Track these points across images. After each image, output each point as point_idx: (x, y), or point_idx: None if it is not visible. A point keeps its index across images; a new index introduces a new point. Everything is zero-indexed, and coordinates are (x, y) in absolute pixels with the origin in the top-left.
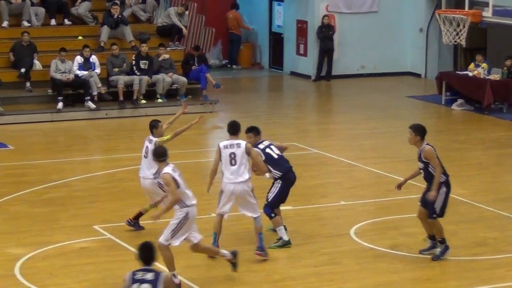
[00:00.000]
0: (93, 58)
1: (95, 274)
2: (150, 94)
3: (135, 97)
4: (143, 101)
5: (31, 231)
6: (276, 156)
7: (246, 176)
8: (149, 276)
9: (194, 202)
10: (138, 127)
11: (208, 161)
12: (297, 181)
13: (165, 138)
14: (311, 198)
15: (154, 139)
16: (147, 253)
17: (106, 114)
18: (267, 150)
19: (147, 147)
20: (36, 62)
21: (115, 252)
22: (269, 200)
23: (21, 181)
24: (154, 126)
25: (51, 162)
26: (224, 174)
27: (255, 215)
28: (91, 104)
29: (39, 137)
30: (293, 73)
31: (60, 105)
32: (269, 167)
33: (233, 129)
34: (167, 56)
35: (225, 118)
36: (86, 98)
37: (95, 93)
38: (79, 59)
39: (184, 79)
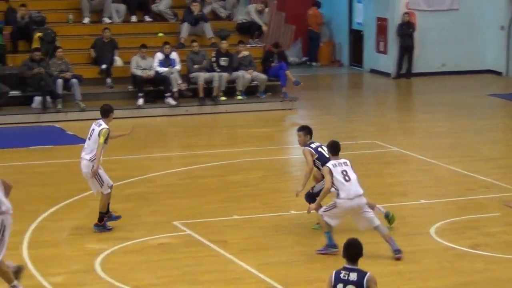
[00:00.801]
0: (174, 55)
1: (174, 270)
2: (230, 91)
3: (215, 94)
4: (223, 98)
5: (113, 226)
6: (327, 156)
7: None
8: (353, 276)
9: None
10: (218, 124)
11: (287, 159)
12: (376, 179)
13: (100, 140)
14: (391, 196)
15: (102, 126)
16: (353, 249)
17: (186, 110)
18: (319, 149)
19: (93, 129)
20: (116, 58)
21: (194, 248)
22: (314, 191)
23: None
24: (108, 111)
25: (132, 158)
26: (340, 193)
27: (376, 224)
28: (171, 101)
29: (120, 132)
30: (373, 71)
31: (140, 101)
32: (320, 166)
33: (336, 149)
34: (246, 53)
35: (304, 116)
36: (166, 94)
37: (175, 89)
38: (159, 55)
39: (263, 76)
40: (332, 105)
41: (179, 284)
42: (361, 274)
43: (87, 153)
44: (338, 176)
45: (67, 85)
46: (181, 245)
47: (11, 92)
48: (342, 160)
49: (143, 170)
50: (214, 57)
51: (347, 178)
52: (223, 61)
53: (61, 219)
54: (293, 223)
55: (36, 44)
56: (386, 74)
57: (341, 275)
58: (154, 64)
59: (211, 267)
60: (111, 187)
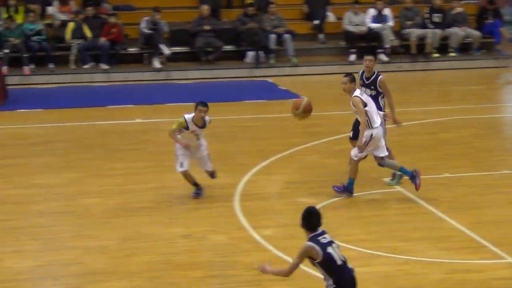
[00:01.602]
0: (386, 11)
1: (384, 226)
2: (443, 48)
3: (427, 50)
4: (436, 55)
5: (323, 181)
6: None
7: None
8: (329, 237)
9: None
10: (430, 81)
11: (500, 117)
12: None
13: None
14: None
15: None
16: (316, 218)
17: (398, 67)
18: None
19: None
20: (329, 14)
21: (404, 205)
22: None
23: (313, 132)
24: None
25: (342, 114)
26: (375, 120)
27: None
28: (384, 57)
29: (331, 88)
30: None
31: (352, 57)
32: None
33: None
34: (460, 9)
35: None
36: (379, 50)
37: (387, 46)
38: (372, 11)
39: (477, 33)
40: None
41: (389, 241)
42: (328, 235)
43: None
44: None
45: (279, 40)
46: (391, 202)
47: (225, 47)
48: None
49: None
50: (427, 13)
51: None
52: (436, 18)
53: (272, 173)
54: (505, 182)
55: (250, 0)
56: None
57: (322, 239)
58: (367, 20)
59: (421, 224)
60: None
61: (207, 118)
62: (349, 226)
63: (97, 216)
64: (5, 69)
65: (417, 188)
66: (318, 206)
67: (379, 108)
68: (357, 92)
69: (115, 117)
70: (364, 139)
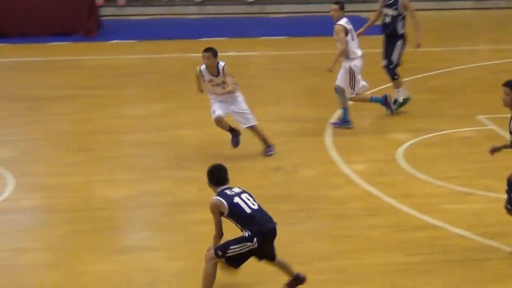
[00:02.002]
0: None
1: (476, 163)
2: None
3: None
4: None
5: (416, 117)
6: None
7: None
8: (236, 189)
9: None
10: None
11: None
12: None
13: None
14: None
15: None
16: (223, 173)
17: (495, 4)
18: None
19: None
20: None
21: (498, 143)
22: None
23: (407, 68)
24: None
25: (437, 50)
26: (354, 51)
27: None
28: None
29: (426, 24)
30: None
31: None
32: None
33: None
34: None
35: None
36: None
37: None
38: None
39: None
40: None
41: (481, 178)
42: (239, 188)
43: None
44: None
45: None
46: (484, 140)
47: None
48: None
49: (448, 62)
50: None
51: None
52: None
53: (367, 109)
54: None
55: None
56: None
57: (228, 192)
58: None
59: None
60: None
61: (221, 63)
62: (442, 163)
63: (189, 147)
64: (99, 0)
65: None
66: (409, 143)
67: (395, 30)
68: (343, 21)
69: None
70: (346, 76)
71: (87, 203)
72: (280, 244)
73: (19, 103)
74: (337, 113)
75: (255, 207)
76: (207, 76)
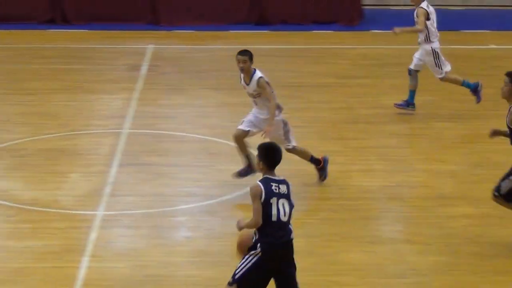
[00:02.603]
0: None
1: None
2: None
3: None
4: None
5: None
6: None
7: None
8: (283, 189)
9: None
10: None
11: None
12: None
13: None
14: None
15: None
16: (278, 155)
17: None
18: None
19: None
20: None
21: None
22: None
23: None
24: None
25: None
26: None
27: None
28: None
29: None
30: None
31: None
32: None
33: None
34: None
35: None
36: None
37: None
38: None
39: None
40: None
41: None
42: (287, 185)
43: None
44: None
45: None
46: None
47: None
48: None
49: None
50: None
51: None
52: None
53: None
54: None
55: None
56: None
57: (273, 188)
58: None
59: None
60: None
61: (257, 73)
62: None
63: (447, 140)
64: None
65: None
66: None
67: None
68: (424, 4)
69: (466, 42)
70: (430, 57)
71: (342, 192)
72: None
73: (281, 90)
74: None
75: (284, 219)
76: (242, 82)
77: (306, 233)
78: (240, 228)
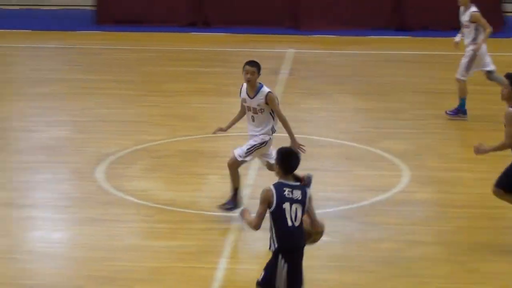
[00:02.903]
0: None
1: None
2: None
3: None
4: None
5: None
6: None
7: None
8: (297, 194)
9: None
10: None
11: None
12: None
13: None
14: None
15: None
16: (295, 160)
17: None
18: None
19: None
20: None
21: None
22: None
23: None
24: None
25: None
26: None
27: None
28: None
29: None
30: None
31: None
32: None
33: None
34: None
35: None
36: None
37: None
38: None
39: None
40: None
41: None
42: (303, 191)
43: None
44: None
45: None
46: None
47: None
48: None
49: None
50: None
51: None
52: None
53: None
54: None
55: None
56: None
57: (285, 193)
58: None
59: None
60: None
61: (265, 88)
62: None
63: None
64: None
65: None
66: None
67: None
68: (475, 8)
69: None
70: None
71: (481, 200)
72: None
73: (417, 96)
74: None
75: (295, 224)
76: (242, 94)
77: (442, 241)
78: (243, 219)
